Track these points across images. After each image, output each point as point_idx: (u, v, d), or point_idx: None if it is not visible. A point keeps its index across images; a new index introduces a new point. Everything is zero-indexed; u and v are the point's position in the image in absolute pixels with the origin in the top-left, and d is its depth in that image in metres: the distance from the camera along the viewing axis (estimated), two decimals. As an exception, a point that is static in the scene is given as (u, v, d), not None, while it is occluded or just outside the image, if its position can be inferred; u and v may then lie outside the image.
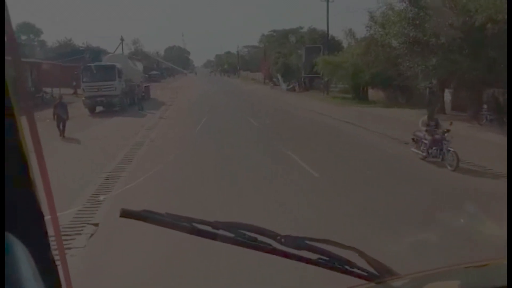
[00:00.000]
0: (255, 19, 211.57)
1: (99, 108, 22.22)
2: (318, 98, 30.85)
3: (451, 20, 14.23)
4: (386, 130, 14.18)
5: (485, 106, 16.13)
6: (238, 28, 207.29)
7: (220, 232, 1.11)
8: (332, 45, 34.44)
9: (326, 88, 32.33)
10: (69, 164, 9.13)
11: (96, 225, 5.79)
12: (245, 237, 1.11)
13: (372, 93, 28.25)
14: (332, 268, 1.13)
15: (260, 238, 1.11)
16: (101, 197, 7.08)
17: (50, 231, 0.83)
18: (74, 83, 26.23)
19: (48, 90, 29.07)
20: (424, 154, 9.66)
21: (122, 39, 45.58)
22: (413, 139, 10.33)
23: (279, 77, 47.90)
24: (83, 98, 21.27)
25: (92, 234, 5.49)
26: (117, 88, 21.51)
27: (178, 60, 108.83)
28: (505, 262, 1.09)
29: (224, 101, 28.74)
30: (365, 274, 1.14)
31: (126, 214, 1.09)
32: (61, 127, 13.70)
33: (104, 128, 16.45)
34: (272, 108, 23.98)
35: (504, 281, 1.02)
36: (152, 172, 7.86)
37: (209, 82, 61.62)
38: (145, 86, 29.23)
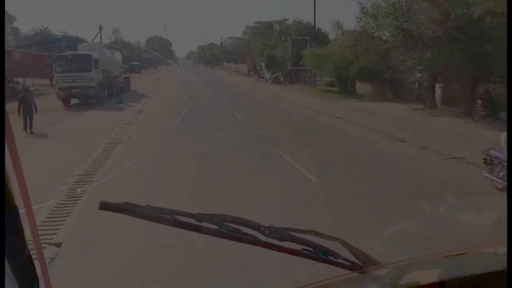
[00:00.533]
0: (239, 10, 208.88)
1: (74, 101, 20.79)
2: (304, 91, 30.03)
3: (448, 12, 13.50)
4: (384, 127, 13.44)
5: (479, 102, 15.58)
6: (221, 19, 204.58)
7: (204, 224, 1.08)
8: (319, 38, 33.57)
9: (312, 81, 31.51)
10: (31, 168, 7.95)
11: (59, 245, 4.81)
12: (228, 228, 1.09)
13: (359, 86, 27.60)
14: (316, 258, 1.13)
15: (244, 229, 1.09)
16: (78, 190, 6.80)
17: (26, 225, 0.82)
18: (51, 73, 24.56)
19: (20, 80, 27.32)
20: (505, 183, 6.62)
21: (100, 28, 43.51)
22: (485, 160, 7.17)
23: (263, 66, 46.73)
24: (56, 90, 19.76)
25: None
26: (93, 79, 20.08)
27: (160, 51, 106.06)
28: (484, 250, 1.27)
29: (207, 93, 27.57)
30: (349, 264, 1.15)
31: (105, 206, 1.04)
32: (27, 121, 12.43)
33: (78, 122, 15.17)
34: (257, 101, 23.01)
35: (482, 269, 1.11)
36: (129, 180, 6.85)
37: (192, 73, 60.00)
38: (124, 77, 27.72)
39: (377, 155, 9.93)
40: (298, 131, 13.22)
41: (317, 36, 33.19)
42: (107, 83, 22.10)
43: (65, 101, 20.05)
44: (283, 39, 43.24)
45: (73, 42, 38.42)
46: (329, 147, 10.60)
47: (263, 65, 48.38)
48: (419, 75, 20.80)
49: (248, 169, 8.38)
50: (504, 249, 1.15)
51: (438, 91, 20.17)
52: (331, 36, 37.86)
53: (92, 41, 33.84)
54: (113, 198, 1.10)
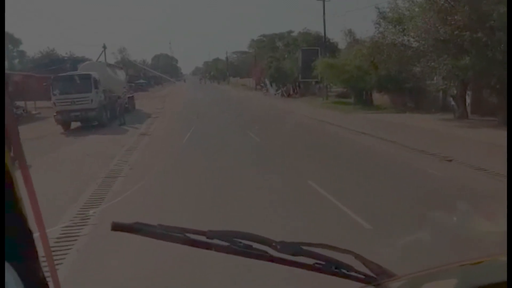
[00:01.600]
0: (243, 24, 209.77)
1: (76, 124, 19.30)
2: (317, 104, 28.31)
3: (489, 10, 11.74)
4: (420, 144, 11.59)
5: (523, 110, 13.68)
6: (226, 34, 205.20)
7: (215, 241, 1.07)
8: (328, 47, 32.00)
9: (324, 93, 29.79)
10: None
11: None
12: (240, 245, 1.08)
13: (376, 97, 25.81)
14: (329, 272, 1.11)
15: (255, 245, 1.08)
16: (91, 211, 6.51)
17: (40, 247, 0.81)
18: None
19: (21, 104, 26.02)
20: None
21: (104, 47, 42.29)
22: None
23: (267, 82, 45.20)
24: (54, 114, 18.24)
25: None
26: (94, 100, 18.58)
27: (165, 68, 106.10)
28: (501, 258, 1.13)
29: (216, 110, 25.98)
30: (363, 277, 1.13)
31: (117, 227, 1.04)
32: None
33: (75, 150, 13.54)
34: (271, 117, 21.31)
35: (499, 277, 1.04)
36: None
37: (198, 90, 58.85)
38: (128, 97, 26.26)
39: (432, 183, 8.04)
40: (325, 153, 11.41)
41: (326, 46, 31.63)
42: (109, 104, 20.59)
43: (65, 125, 18.53)
44: (289, 51, 41.84)
45: (78, 62, 37.34)
46: (368, 174, 8.73)
47: (267, 81, 46.92)
48: (444, 82, 18.97)
49: (275, 209, 6.58)
50: None
51: (466, 100, 18.33)
52: (341, 45, 36.38)
53: (97, 60, 32.63)
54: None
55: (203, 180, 8.58)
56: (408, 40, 15.96)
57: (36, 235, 0.81)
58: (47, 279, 0.82)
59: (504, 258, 1.10)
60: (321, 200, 6.89)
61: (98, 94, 19.07)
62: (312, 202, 6.86)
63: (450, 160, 9.97)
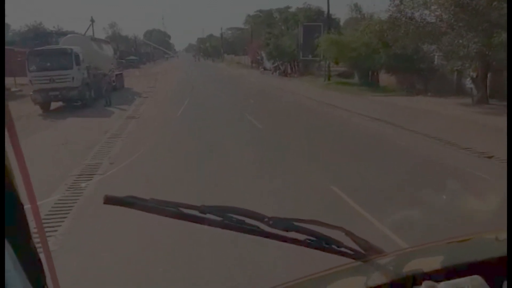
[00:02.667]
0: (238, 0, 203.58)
1: (57, 103, 17.32)
2: (319, 84, 26.42)
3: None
4: (448, 134, 9.93)
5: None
6: (220, 9, 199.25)
7: (208, 216, 1.07)
8: (330, 24, 29.81)
9: (327, 72, 27.83)
10: None
11: None
12: (232, 220, 1.08)
13: (383, 78, 23.97)
14: (319, 248, 1.13)
15: (248, 220, 1.08)
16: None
17: (31, 220, 0.80)
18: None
19: None
20: None
21: (92, 20, 39.62)
22: None
23: (264, 56, 42.98)
24: (31, 92, 16.18)
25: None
26: (76, 78, 16.54)
27: (158, 44, 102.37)
28: (486, 236, 1.24)
29: (211, 89, 24.00)
30: (352, 253, 1.14)
31: (110, 200, 1.04)
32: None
33: (49, 137, 11.67)
34: (271, 98, 19.45)
35: (485, 255, 1.11)
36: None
37: (192, 67, 56.29)
38: (117, 74, 24.12)
39: (494, 195, 6.38)
40: (340, 146, 9.67)
41: (329, 22, 29.44)
42: (94, 82, 18.54)
43: (44, 105, 16.53)
44: (288, 27, 39.48)
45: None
46: (400, 178, 7.03)
47: (264, 55, 44.80)
48: (459, 63, 17.16)
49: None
50: (505, 234, 1.12)
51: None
52: (344, 21, 34.19)
53: (84, 34, 30.14)
54: None
55: (199, 184, 6.84)
56: (430, 14, 14.05)
57: (27, 207, 0.79)
58: (38, 250, 0.82)
59: (489, 236, 1.21)
60: (353, 216, 5.23)
61: (80, 71, 17.02)
62: (345, 219, 5.20)
63: (490, 157, 8.34)
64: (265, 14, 54.61)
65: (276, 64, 43.37)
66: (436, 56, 20.59)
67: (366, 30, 20.75)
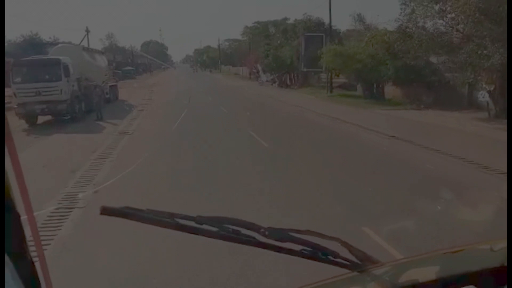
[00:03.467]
0: (235, 12, 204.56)
1: (45, 117, 16.01)
2: (322, 96, 25.34)
3: None
4: (478, 155, 8.73)
5: None
6: (218, 21, 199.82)
7: (204, 226, 1.06)
8: (332, 35, 28.86)
9: (329, 84, 26.78)
10: None
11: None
12: (228, 230, 1.07)
13: (387, 90, 22.93)
14: (315, 258, 1.12)
15: (244, 231, 1.07)
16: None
17: (27, 230, 0.81)
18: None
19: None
20: None
21: (87, 30, 38.74)
22: None
23: (261, 71, 42.08)
24: (15, 106, 14.86)
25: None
26: (64, 91, 15.28)
27: (155, 55, 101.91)
28: (480, 247, 1.26)
29: (210, 102, 22.83)
30: (348, 263, 1.13)
31: (106, 211, 1.02)
32: None
33: (28, 157, 10.26)
34: (276, 113, 18.27)
35: (479, 265, 1.11)
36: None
37: (190, 78, 55.27)
38: (110, 86, 22.91)
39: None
40: (362, 170, 8.40)
41: (330, 33, 28.49)
42: (85, 95, 17.28)
43: (30, 120, 15.23)
44: (287, 38, 38.56)
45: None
46: (449, 225, 5.76)
47: (260, 68, 43.94)
48: (471, 75, 16.08)
49: None
50: (500, 245, 1.14)
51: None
52: (343, 32, 33.26)
53: (79, 44, 29.03)
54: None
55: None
56: (444, 24, 13.00)
57: (23, 218, 0.80)
58: (34, 259, 0.81)
59: (484, 247, 1.20)
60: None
61: (69, 83, 15.77)
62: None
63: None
64: (263, 25, 53.93)
65: (272, 76, 42.65)
66: (442, 68, 19.64)
67: (372, 41, 19.77)
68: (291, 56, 33.20)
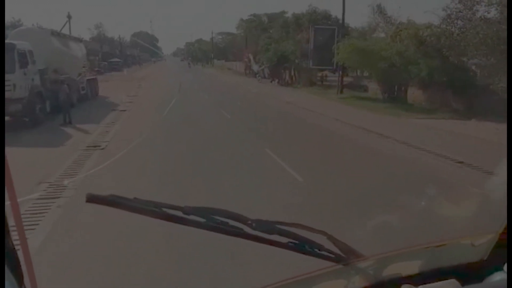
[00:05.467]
0: (228, 4, 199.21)
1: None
2: (334, 98, 21.92)
3: None
4: None
5: None
6: (210, 14, 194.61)
7: (191, 217, 1.03)
8: (343, 29, 25.38)
9: (339, 84, 23.40)
10: None
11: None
12: (216, 221, 1.05)
13: (411, 94, 19.64)
14: (301, 251, 1.11)
15: (231, 222, 1.06)
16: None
17: (10, 217, 0.78)
18: None
19: None
20: None
21: (69, 16, 34.45)
22: None
23: (251, 59, 38.79)
24: (-49, 105, 11.08)
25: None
26: (19, 86, 11.52)
27: (145, 47, 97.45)
28: (463, 241, 1.25)
29: (206, 102, 19.22)
30: (333, 256, 1.13)
31: (92, 199, 0.99)
32: None
33: None
34: (288, 118, 14.80)
35: (462, 259, 1.12)
36: None
37: (181, 72, 51.25)
38: (88, 80, 19.10)
39: None
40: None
41: (339, 28, 25.02)
42: (51, 91, 13.51)
43: (-26, 122, 11.45)
44: (287, 32, 34.97)
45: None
46: None
47: (251, 58, 40.35)
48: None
49: None
50: (481, 241, 1.15)
51: None
52: (356, 26, 29.83)
53: (60, 31, 24.89)
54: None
55: None
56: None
57: (7, 203, 0.77)
58: (16, 247, 0.80)
59: (465, 241, 1.21)
60: None
61: (28, 76, 12.02)
62: None
63: None
64: (259, 18, 50.31)
65: (262, 67, 38.89)
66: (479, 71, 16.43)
67: (402, 36, 16.39)
68: (293, 51, 29.68)
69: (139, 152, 8.59)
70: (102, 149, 9.39)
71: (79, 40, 19.52)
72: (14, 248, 0.79)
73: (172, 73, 50.03)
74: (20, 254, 0.82)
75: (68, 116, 12.58)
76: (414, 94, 19.51)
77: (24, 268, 0.83)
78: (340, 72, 22.64)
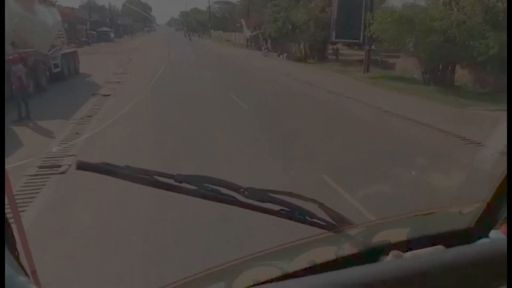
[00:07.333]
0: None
1: None
2: (360, 77, 18.26)
3: None
4: None
5: None
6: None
7: (183, 185, 1.01)
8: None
9: (366, 62, 19.63)
10: None
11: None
12: (208, 189, 1.03)
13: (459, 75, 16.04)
14: (293, 218, 1.11)
15: (223, 190, 1.04)
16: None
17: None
18: None
19: None
20: None
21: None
22: None
23: (244, 24, 35.50)
24: None
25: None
26: None
27: (138, 16, 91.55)
28: (451, 210, 1.27)
29: (211, 82, 15.46)
30: (324, 224, 1.14)
31: (83, 166, 0.93)
32: None
33: None
34: (319, 104, 11.20)
35: (449, 227, 1.14)
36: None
37: (176, 44, 46.65)
38: (64, 54, 15.12)
39: None
40: None
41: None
42: (10, 72, 9.72)
43: None
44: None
45: None
46: None
47: (244, 24, 37.07)
48: None
49: None
50: (468, 209, 1.18)
51: None
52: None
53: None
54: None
55: None
56: None
57: None
58: (10, 220, 0.80)
59: (453, 210, 1.22)
60: None
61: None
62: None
63: None
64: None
65: (255, 32, 36.14)
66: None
67: (462, 1, 12.59)
68: (307, 21, 25.56)
69: (131, 139, 5.12)
70: (62, 173, 5.83)
71: (51, 4, 15.35)
72: (10, 226, 0.77)
73: (166, 44, 45.44)
74: (15, 232, 0.81)
75: (25, 108, 8.89)
76: (458, 73, 15.97)
77: (19, 243, 0.83)
78: (368, 47, 18.83)
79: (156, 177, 0.99)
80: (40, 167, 6.00)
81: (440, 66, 15.84)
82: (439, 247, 1.01)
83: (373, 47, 19.18)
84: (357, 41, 20.14)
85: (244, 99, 11.45)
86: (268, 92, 13.37)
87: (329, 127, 8.91)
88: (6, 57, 9.45)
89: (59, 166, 6.06)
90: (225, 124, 8.89)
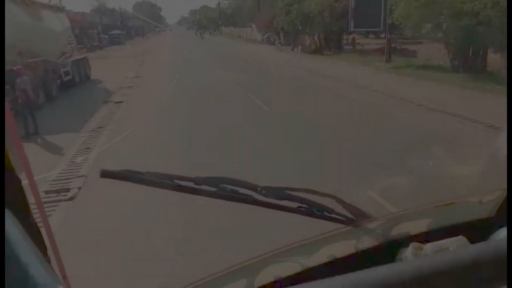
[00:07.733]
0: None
1: None
2: (383, 68, 17.19)
3: None
4: None
5: None
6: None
7: (203, 187, 1.03)
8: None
9: (388, 51, 18.50)
10: None
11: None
12: (226, 190, 1.05)
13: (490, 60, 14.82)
14: (311, 215, 1.11)
15: (241, 190, 1.05)
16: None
17: (29, 196, 0.80)
18: None
19: None
20: None
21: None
22: None
23: (254, 27, 35.02)
24: None
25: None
26: None
27: (148, 17, 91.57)
28: (471, 199, 1.22)
29: (228, 80, 14.66)
30: (343, 218, 1.14)
31: (106, 174, 0.97)
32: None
33: None
34: (366, 109, 10.22)
35: (469, 217, 1.11)
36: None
37: (189, 42, 46.11)
38: (74, 61, 14.62)
39: None
40: None
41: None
42: (11, 85, 9.18)
43: None
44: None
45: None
46: None
47: (254, 26, 36.28)
48: None
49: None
50: (488, 198, 1.15)
51: None
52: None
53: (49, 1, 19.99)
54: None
55: None
56: None
57: (25, 183, 0.78)
58: (39, 224, 0.80)
59: (473, 199, 1.20)
60: None
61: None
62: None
63: None
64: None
65: (266, 35, 37.08)
66: None
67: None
68: (321, 11, 24.46)
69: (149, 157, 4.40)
70: (70, 199, 5.16)
71: (59, 9, 14.81)
72: (37, 225, 0.78)
73: (178, 43, 44.89)
74: (43, 231, 0.82)
75: (32, 122, 8.30)
76: (489, 58, 14.74)
77: (48, 244, 0.83)
78: (389, 35, 17.71)
79: (176, 181, 1.01)
80: (46, 192, 5.35)
81: (471, 52, 14.65)
82: (460, 238, 0.98)
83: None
84: (377, 29, 19.03)
85: (264, 100, 10.61)
86: (291, 91, 12.49)
87: (371, 134, 7.99)
88: (14, 67, 8.88)
89: (68, 190, 5.40)
90: (253, 130, 8.10)
